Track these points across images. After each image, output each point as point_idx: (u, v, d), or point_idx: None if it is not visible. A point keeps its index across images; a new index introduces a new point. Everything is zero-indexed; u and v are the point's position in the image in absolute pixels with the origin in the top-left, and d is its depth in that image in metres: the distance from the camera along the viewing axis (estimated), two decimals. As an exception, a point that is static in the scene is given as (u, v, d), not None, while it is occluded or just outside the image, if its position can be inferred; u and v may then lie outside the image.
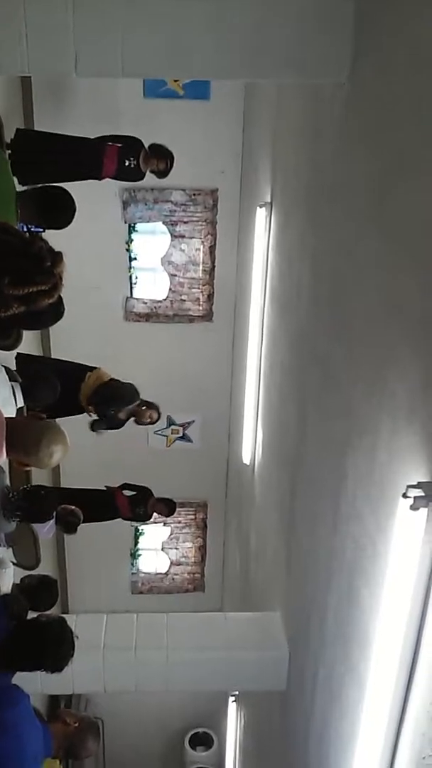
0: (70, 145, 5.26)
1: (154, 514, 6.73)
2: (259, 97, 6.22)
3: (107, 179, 5.47)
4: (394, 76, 2.72)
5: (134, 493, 6.56)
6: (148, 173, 5.56)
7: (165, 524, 9.07)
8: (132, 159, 5.32)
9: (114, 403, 5.58)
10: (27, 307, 2.35)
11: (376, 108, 2.92)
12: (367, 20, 3.02)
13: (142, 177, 5.54)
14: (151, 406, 5.98)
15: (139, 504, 6.50)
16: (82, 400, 5.45)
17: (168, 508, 6.68)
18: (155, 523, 8.98)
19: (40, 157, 5.13)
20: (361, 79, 3.12)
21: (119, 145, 5.30)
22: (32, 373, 3.77)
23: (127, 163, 5.31)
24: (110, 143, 5.29)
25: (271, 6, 3.11)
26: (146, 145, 5.43)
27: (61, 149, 5.23)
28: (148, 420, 5.99)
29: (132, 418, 5.95)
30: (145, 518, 6.72)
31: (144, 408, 5.91)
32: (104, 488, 6.52)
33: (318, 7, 3.13)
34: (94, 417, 5.66)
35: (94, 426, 5.80)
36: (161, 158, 5.44)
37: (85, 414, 5.59)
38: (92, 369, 5.54)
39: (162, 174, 5.55)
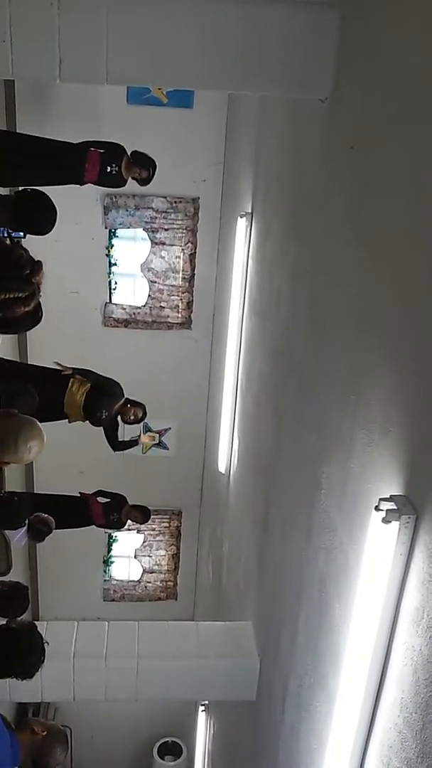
0: (52, 149, 5.24)
1: (128, 522, 6.70)
2: (242, 107, 6.26)
3: (88, 185, 5.46)
4: (375, 93, 2.76)
5: (108, 500, 6.52)
6: (129, 180, 5.57)
7: (138, 531, 9.03)
8: (114, 165, 5.31)
9: (106, 403, 5.55)
10: (3, 313, 2.35)
11: (357, 123, 2.96)
12: (350, 38, 3.06)
13: (123, 184, 5.54)
14: (136, 404, 5.94)
15: (113, 511, 6.47)
16: (69, 409, 5.42)
17: (143, 515, 6.65)
18: (129, 530, 8.95)
19: (20, 160, 5.11)
20: (342, 95, 3.16)
21: (101, 151, 5.30)
22: (10, 384, 3.74)
23: (108, 170, 5.30)
24: (92, 149, 5.28)
25: (257, 19, 3.15)
26: (129, 152, 5.44)
27: (42, 153, 5.21)
28: (132, 417, 5.89)
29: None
30: (119, 526, 6.68)
31: (129, 406, 5.85)
32: (78, 494, 6.48)
33: (302, 23, 3.17)
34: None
35: (119, 446, 6.01)
36: (144, 166, 5.44)
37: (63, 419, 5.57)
38: (73, 375, 5.51)
39: (144, 182, 5.56)
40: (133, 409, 5.85)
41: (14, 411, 3.13)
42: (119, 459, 8.20)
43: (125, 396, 5.80)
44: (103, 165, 5.27)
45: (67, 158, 5.24)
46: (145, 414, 5.99)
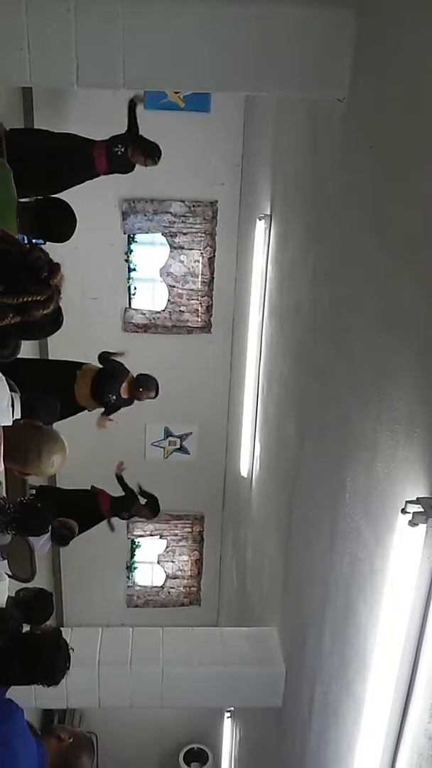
0: (62, 145, 5.36)
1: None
2: (259, 109, 6.24)
3: (105, 180, 5.52)
4: (393, 91, 2.73)
5: (120, 496, 6.47)
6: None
7: (161, 537, 9.02)
8: (119, 146, 5.40)
9: (112, 386, 5.63)
10: (21, 317, 2.33)
11: (375, 122, 2.93)
12: (366, 36, 3.03)
13: (131, 168, 5.57)
14: (147, 383, 5.95)
15: (122, 510, 6.44)
16: (82, 400, 5.52)
17: (152, 513, 6.59)
18: (151, 536, 8.95)
19: (30, 162, 5.16)
20: (360, 94, 3.13)
21: (106, 139, 5.41)
22: (33, 394, 3.75)
23: (115, 149, 5.38)
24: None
25: (272, 20, 3.13)
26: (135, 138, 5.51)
27: (53, 153, 5.30)
28: (145, 397, 5.97)
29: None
30: (127, 518, 6.70)
31: (140, 389, 5.90)
32: (90, 488, 6.46)
33: (319, 22, 3.15)
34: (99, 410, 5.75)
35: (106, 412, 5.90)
36: (149, 156, 5.48)
37: (79, 418, 5.61)
38: (79, 367, 5.62)
39: (151, 165, 5.60)
40: (144, 392, 5.90)
41: (38, 423, 3.14)
42: (141, 464, 8.23)
43: (129, 372, 5.85)
44: (109, 147, 5.35)
45: (76, 151, 5.33)
46: (157, 392, 6.00)
